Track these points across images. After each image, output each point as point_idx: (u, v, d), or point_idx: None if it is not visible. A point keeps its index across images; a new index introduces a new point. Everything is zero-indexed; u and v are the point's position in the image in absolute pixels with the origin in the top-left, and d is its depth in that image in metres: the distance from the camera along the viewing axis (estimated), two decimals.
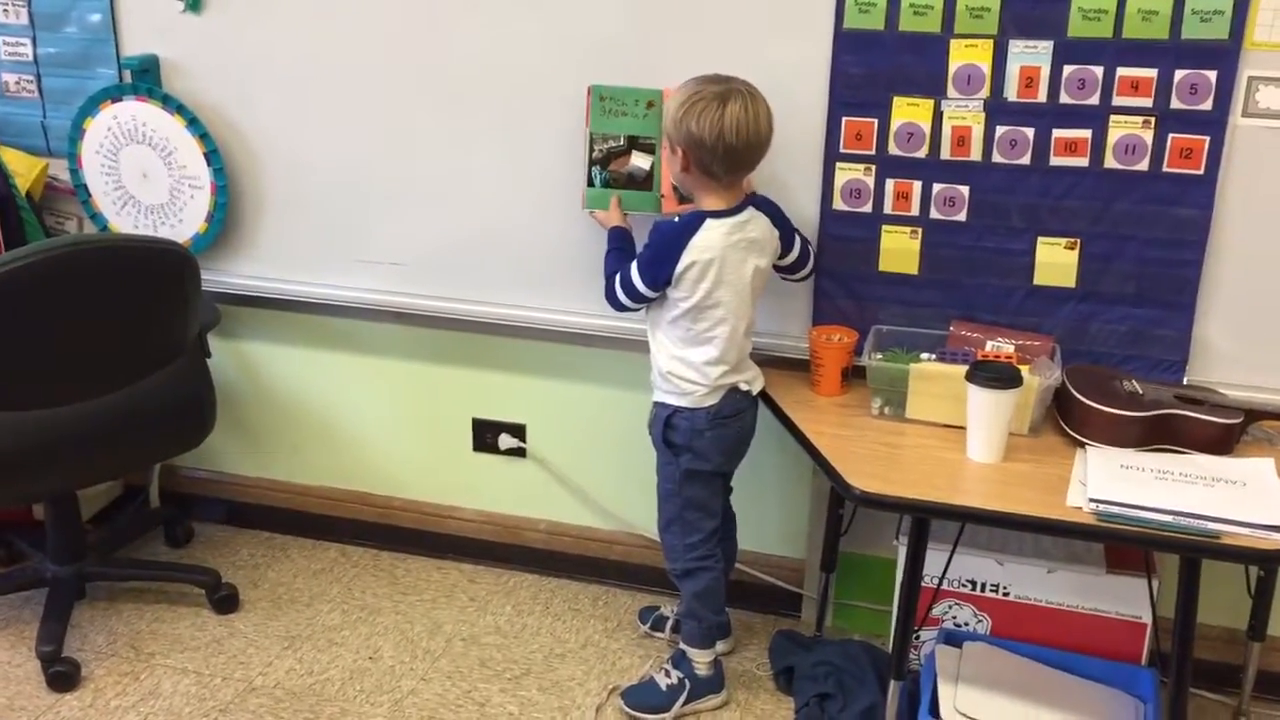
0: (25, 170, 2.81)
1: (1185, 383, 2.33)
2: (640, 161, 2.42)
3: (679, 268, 2.18)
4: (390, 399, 2.95)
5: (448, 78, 2.58)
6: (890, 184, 2.39)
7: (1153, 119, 2.23)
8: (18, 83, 2.82)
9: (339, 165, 2.70)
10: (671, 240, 2.19)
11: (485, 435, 2.90)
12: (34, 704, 2.43)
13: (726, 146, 2.13)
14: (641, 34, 2.42)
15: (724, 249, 2.19)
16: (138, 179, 2.79)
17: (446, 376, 2.88)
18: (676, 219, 2.26)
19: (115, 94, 2.73)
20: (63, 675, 2.47)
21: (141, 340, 2.46)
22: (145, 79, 2.71)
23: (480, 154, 2.61)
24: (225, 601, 2.75)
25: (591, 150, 2.41)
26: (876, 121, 2.36)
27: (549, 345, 2.75)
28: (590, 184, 2.42)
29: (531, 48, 2.49)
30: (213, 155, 2.71)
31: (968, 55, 2.28)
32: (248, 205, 2.78)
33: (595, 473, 2.85)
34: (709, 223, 2.20)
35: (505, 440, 2.88)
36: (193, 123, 2.70)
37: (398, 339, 2.87)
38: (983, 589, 2.42)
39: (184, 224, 2.78)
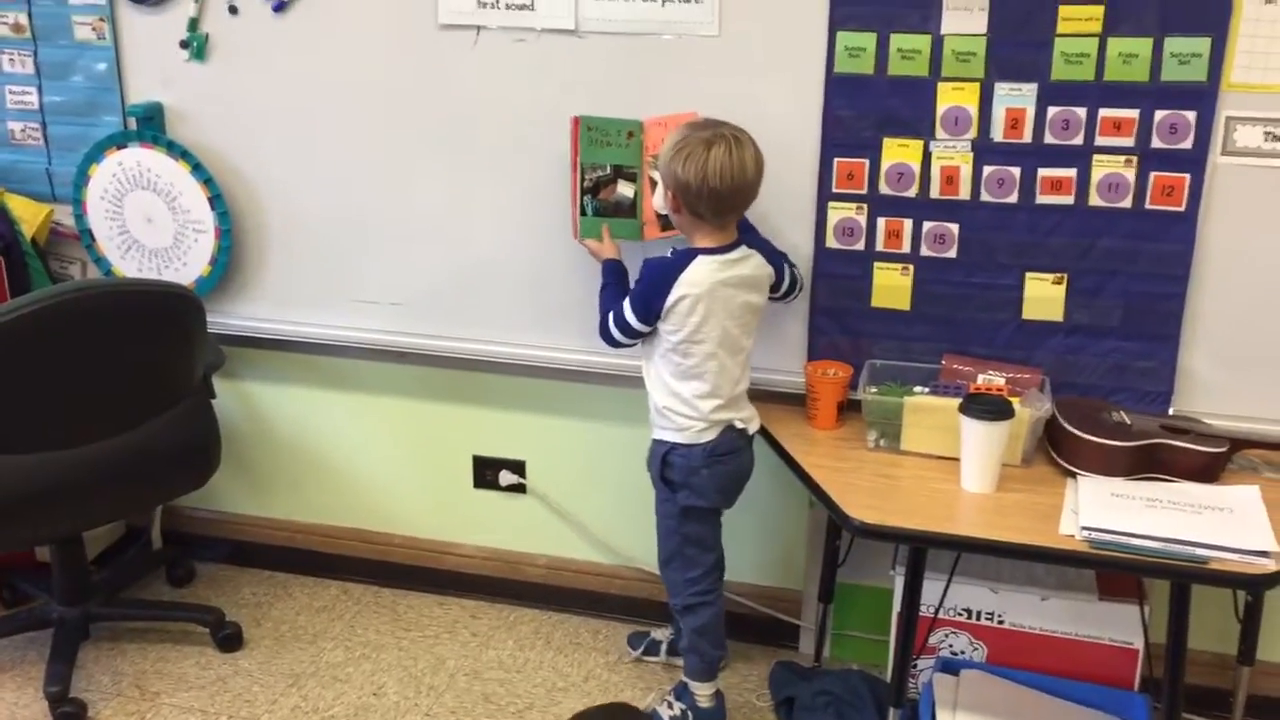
0: (30, 216, 2.86)
1: (1171, 413, 2.39)
2: (625, 190, 2.48)
3: (669, 301, 2.24)
4: (391, 437, 2.99)
5: (441, 122, 2.64)
6: (882, 222, 2.46)
7: (1135, 158, 2.30)
8: (23, 130, 2.87)
9: (338, 208, 2.76)
10: (662, 275, 2.25)
11: (485, 472, 2.94)
12: None
13: (711, 190, 2.18)
14: (636, 76, 2.48)
15: (713, 284, 2.25)
16: (142, 223, 2.83)
17: (447, 414, 2.93)
18: (670, 253, 2.32)
19: (120, 141, 2.78)
20: (70, 716, 2.49)
21: (149, 382, 2.50)
22: (150, 126, 2.76)
23: (475, 194, 2.66)
24: (229, 640, 2.77)
25: (583, 180, 2.47)
26: (868, 162, 2.43)
27: (547, 382, 2.80)
28: (583, 212, 2.48)
29: (524, 91, 2.56)
30: (217, 200, 2.76)
31: (955, 98, 2.36)
32: (250, 248, 2.83)
33: (595, 508, 2.90)
34: (699, 259, 2.25)
35: (505, 476, 2.92)
36: (197, 168, 2.75)
37: (398, 378, 2.92)
38: (978, 617, 2.47)
39: (188, 267, 2.83)
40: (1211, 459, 2.23)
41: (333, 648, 2.80)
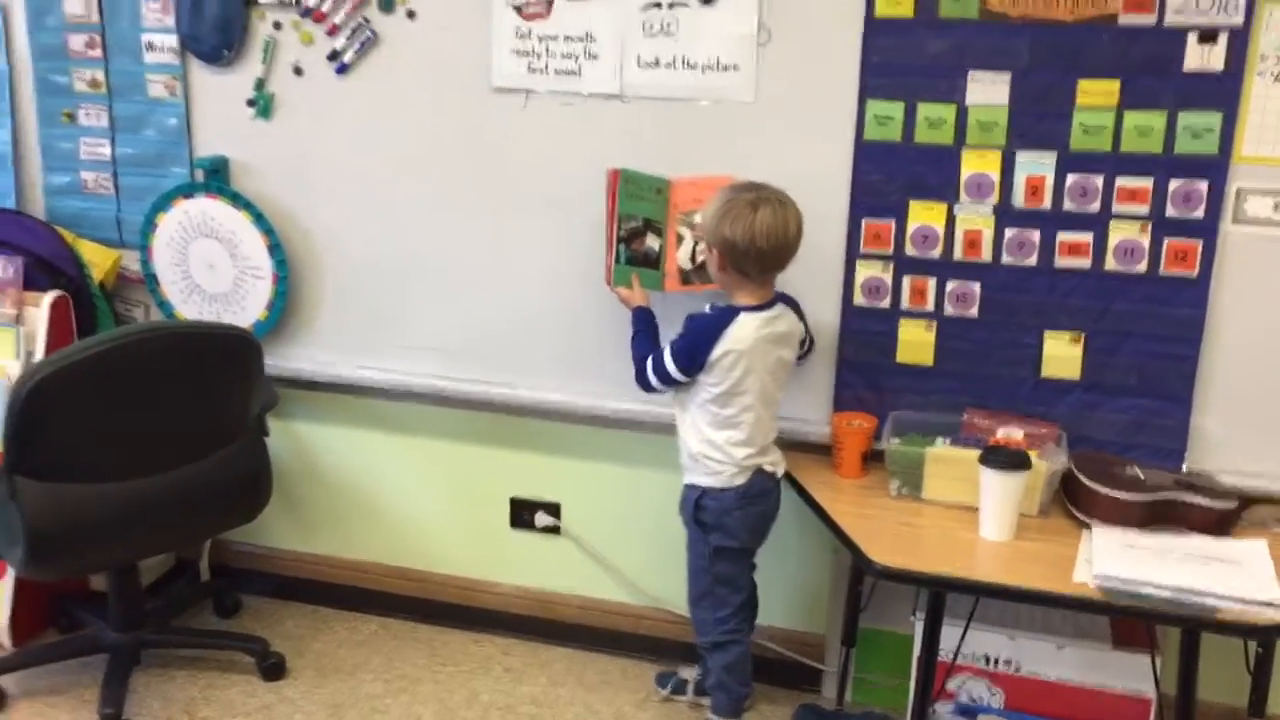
0: (100, 261, 3.03)
1: (1185, 469, 2.48)
2: (652, 242, 2.62)
3: (713, 356, 2.36)
4: (432, 478, 3.12)
5: (488, 178, 2.79)
6: (907, 281, 2.58)
7: (1149, 225, 2.42)
8: (96, 180, 3.04)
9: (389, 258, 2.90)
10: (707, 332, 2.37)
11: (522, 513, 3.06)
12: None
13: (758, 250, 2.32)
14: (676, 139, 2.63)
15: (755, 341, 2.37)
16: (204, 269, 2.99)
17: (486, 457, 3.05)
18: (709, 309, 2.45)
19: (188, 191, 2.94)
20: None
21: (208, 419, 2.64)
22: (216, 178, 2.93)
23: (517, 247, 2.81)
24: (273, 669, 2.89)
25: (620, 229, 2.61)
26: (894, 223, 2.56)
27: (584, 428, 2.92)
28: (617, 260, 2.61)
29: (569, 152, 2.70)
30: (275, 248, 2.92)
31: (978, 165, 2.48)
32: (305, 294, 2.98)
33: (626, 550, 3.00)
34: (742, 317, 2.38)
35: (541, 518, 3.04)
36: (258, 218, 2.91)
37: (440, 421, 3.04)
38: (996, 664, 2.55)
39: (246, 311, 2.98)
40: (1223, 514, 2.32)
41: (372, 680, 2.90)
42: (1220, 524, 2.32)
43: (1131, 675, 2.46)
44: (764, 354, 2.40)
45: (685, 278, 2.63)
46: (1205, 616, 2.07)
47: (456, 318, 2.90)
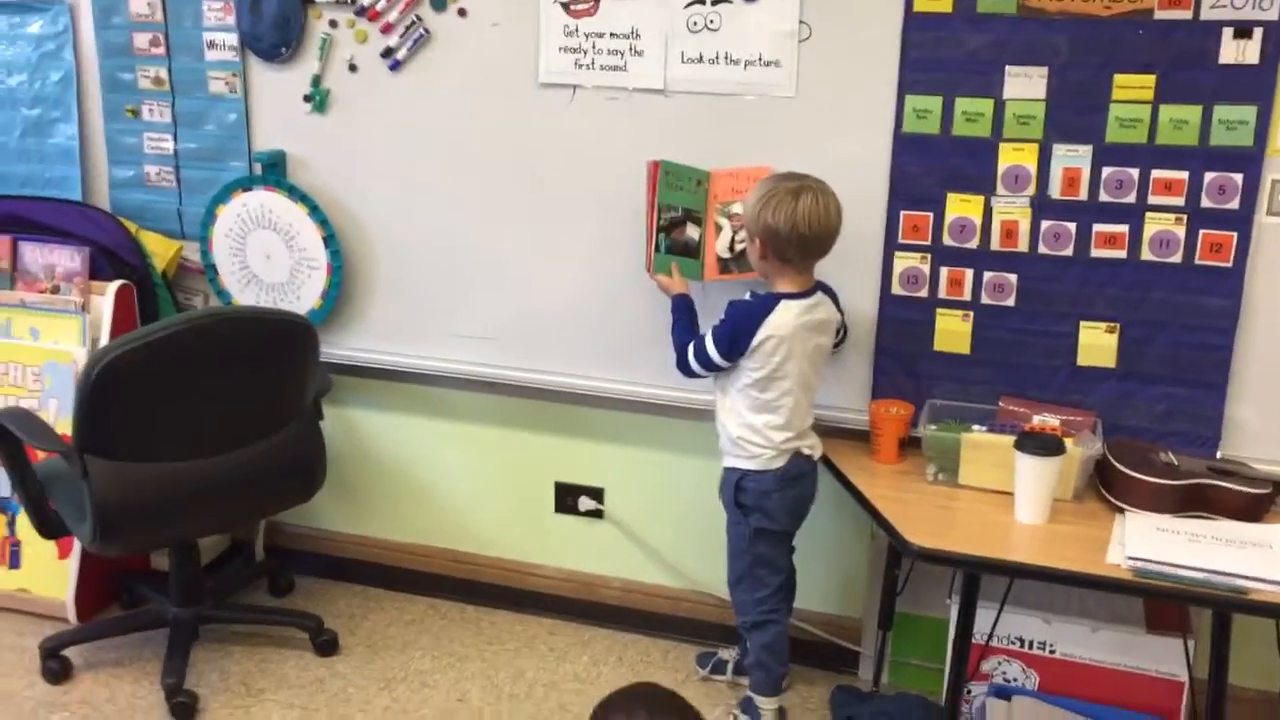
0: (162, 251, 3.14)
1: (1219, 456, 2.52)
2: (692, 232, 2.70)
3: (755, 341, 2.43)
4: (479, 463, 3.21)
5: (535, 171, 2.87)
6: (944, 271, 2.63)
7: (1185, 216, 2.46)
8: (159, 173, 3.16)
9: (439, 248, 3.00)
10: (749, 318, 2.44)
11: (566, 498, 3.14)
12: None
13: (800, 236, 2.38)
14: (718, 132, 2.70)
15: (795, 327, 2.44)
16: (261, 260, 3.10)
17: (531, 442, 3.14)
18: (749, 296, 2.52)
19: (246, 184, 3.05)
20: (184, 706, 2.72)
21: (267, 402, 2.74)
22: (273, 171, 3.03)
23: (563, 238, 2.89)
24: (326, 645, 2.99)
25: (660, 219, 2.68)
26: (932, 215, 2.61)
27: (626, 414, 3.00)
28: (657, 249, 2.69)
29: (613, 145, 2.78)
30: (330, 239, 3.02)
31: (1015, 157, 2.54)
32: (358, 284, 3.08)
33: (667, 534, 3.08)
34: (784, 304, 2.45)
35: (584, 502, 3.12)
36: (314, 210, 3.01)
37: (487, 407, 3.13)
38: (1030, 646, 2.60)
39: (301, 300, 3.08)
40: (1255, 499, 2.36)
41: (421, 656, 3.00)
42: (1252, 509, 2.36)
43: (1164, 658, 2.51)
44: (803, 340, 2.47)
45: (724, 267, 2.71)
46: (1236, 597, 2.11)
47: (503, 307, 2.98)
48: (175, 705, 2.71)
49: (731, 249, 2.70)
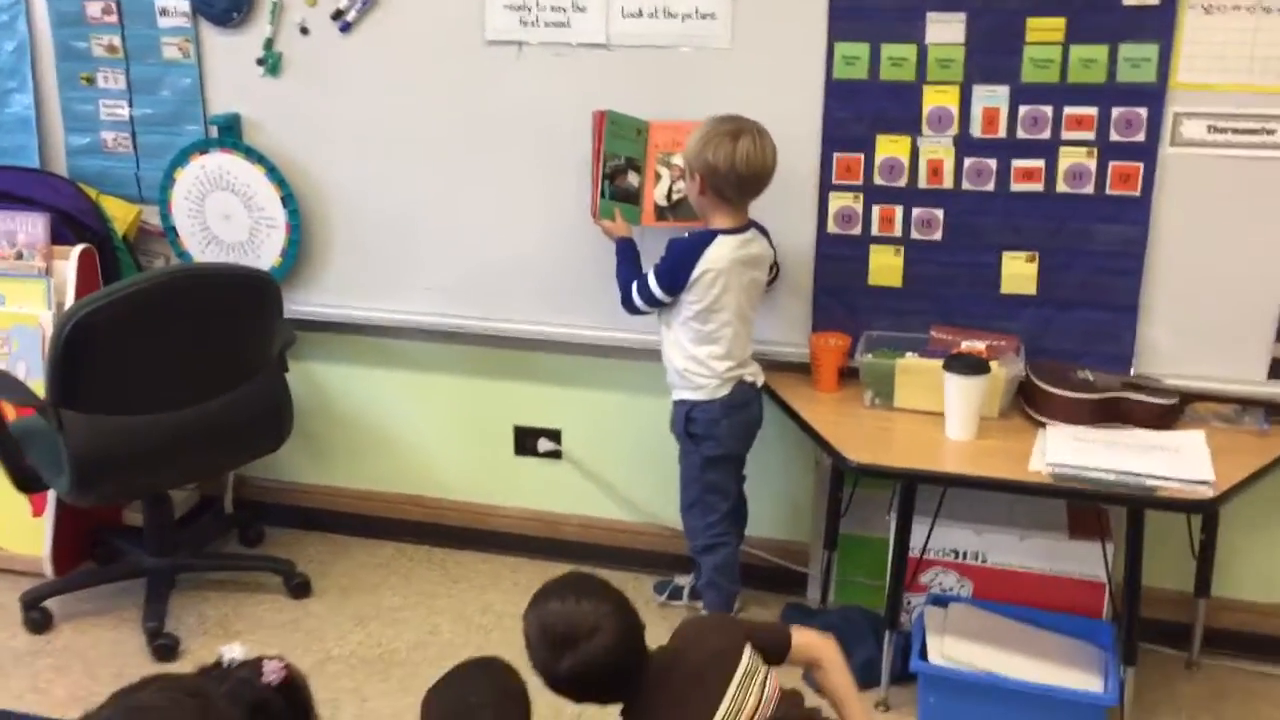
0: (122, 215, 3.23)
1: (1132, 374, 2.71)
2: (633, 179, 2.84)
3: (693, 275, 2.58)
4: (439, 410, 3.34)
5: (485, 127, 2.99)
6: (876, 210, 2.79)
7: (1095, 150, 2.64)
8: (115, 139, 3.24)
9: (394, 204, 3.11)
10: (687, 252, 2.60)
11: (525, 440, 3.28)
12: (142, 672, 2.77)
13: (738, 175, 2.53)
14: (659, 84, 2.83)
15: (731, 261, 2.59)
16: (221, 220, 3.19)
17: (490, 389, 3.27)
18: (687, 235, 2.67)
19: (203, 147, 3.14)
20: (166, 647, 2.84)
21: (233, 355, 2.85)
22: (229, 134, 3.13)
23: (514, 191, 3.01)
24: (300, 588, 3.12)
25: (605, 167, 2.82)
26: (863, 156, 2.77)
27: (579, 358, 3.14)
28: (602, 195, 2.83)
29: (560, 99, 2.90)
30: (288, 199, 3.12)
31: (938, 99, 2.70)
32: (316, 241, 3.19)
33: (622, 470, 3.23)
34: (720, 239, 2.60)
35: (543, 444, 3.26)
36: (271, 171, 3.11)
37: (446, 357, 3.26)
38: (964, 557, 2.78)
39: (261, 259, 3.18)
40: (1165, 410, 2.56)
41: (391, 595, 3.14)
42: (1163, 419, 2.56)
43: (1086, 562, 2.69)
44: (739, 274, 2.62)
45: (661, 214, 2.85)
46: (1146, 495, 2.31)
47: (458, 258, 3.10)
48: (157, 647, 2.83)
49: (669, 197, 2.85)
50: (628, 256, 2.77)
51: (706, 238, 2.60)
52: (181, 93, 3.16)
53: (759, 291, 2.71)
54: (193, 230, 3.22)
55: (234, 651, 1.79)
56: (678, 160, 2.79)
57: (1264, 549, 2.81)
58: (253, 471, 3.47)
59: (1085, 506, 2.74)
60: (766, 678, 1.97)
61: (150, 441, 2.74)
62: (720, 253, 2.59)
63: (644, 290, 2.66)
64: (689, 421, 2.72)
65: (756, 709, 1.94)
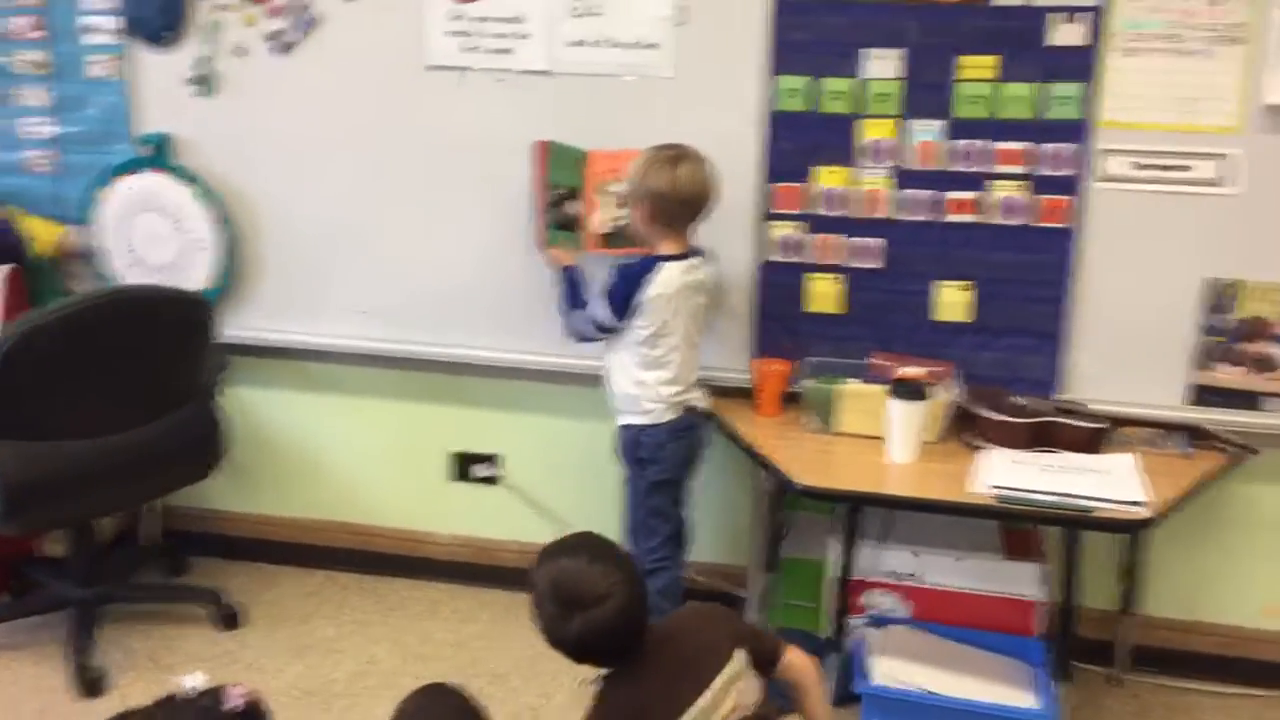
0: (44, 236, 3.12)
1: (1060, 398, 2.81)
2: (573, 208, 2.86)
3: (643, 300, 2.61)
4: (373, 436, 3.30)
5: (425, 151, 2.99)
6: (816, 238, 2.86)
7: (1026, 183, 2.74)
8: (39, 158, 3.14)
9: (330, 227, 3.08)
10: (637, 277, 2.62)
11: (461, 466, 3.26)
12: (66, 710, 2.70)
13: (681, 198, 2.57)
14: (602, 112, 2.86)
15: (680, 286, 2.62)
16: (149, 242, 3.12)
17: (426, 413, 3.25)
18: (633, 262, 2.68)
19: (131, 167, 3.07)
20: (95, 681, 2.74)
21: (167, 379, 2.79)
22: (159, 154, 3.06)
23: (453, 214, 3.01)
24: (229, 619, 3.05)
25: (550, 195, 2.83)
26: (803, 186, 2.84)
27: (519, 383, 3.14)
28: (548, 225, 2.85)
29: (502, 125, 2.91)
30: (219, 220, 3.06)
31: (876, 132, 2.78)
32: (249, 264, 3.13)
33: (562, 495, 3.23)
34: (666, 265, 2.62)
35: (480, 469, 3.25)
36: (202, 192, 3.05)
37: (381, 381, 3.23)
38: (902, 578, 2.84)
39: (190, 282, 3.10)
40: (1094, 433, 2.65)
41: (325, 625, 3.08)
42: (1091, 442, 2.65)
43: (1020, 582, 2.76)
44: (686, 299, 2.65)
45: (603, 241, 2.88)
46: (1083, 515, 2.39)
47: (395, 282, 3.08)
48: (87, 682, 2.73)
49: (609, 225, 2.87)
50: (572, 284, 2.79)
51: (652, 263, 2.63)
52: (108, 111, 3.09)
53: (704, 316, 2.75)
54: (120, 252, 3.14)
55: (195, 680, 1.77)
56: (616, 188, 2.83)
57: (1184, 568, 2.93)
58: (176, 499, 3.37)
59: (1019, 528, 2.83)
60: (748, 686, 1.99)
61: (82, 468, 2.67)
62: (668, 278, 2.62)
63: (593, 318, 2.68)
64: (636, 446, 2.73)
65: (733, 710, 1.96)
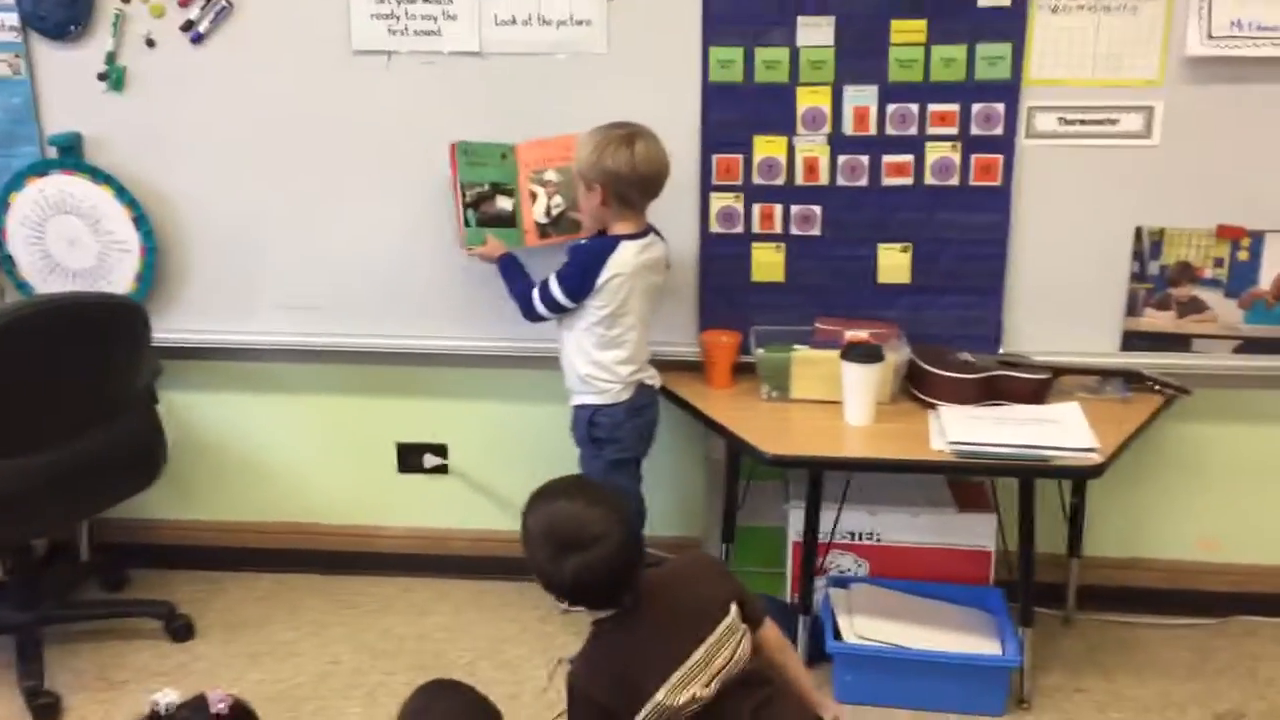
0: None
1: (1002, 352, 2.88)
2: (504, 204, 2.83)
3: (601, 280, 2.59)
4: (314, 433, 3.22)
5: (354, 139, 2.91)
6: (756, 208, 2.87)
7: (959, 144, 2.79)
8: None
9: (255, 222, 2.99)
10: (595, 258, 2.60)
11: (409, 457, 3.21)
12: None
13: (640, 176, 2.56)
14: (536, 91, 2.82)
15: (636, 266, 2.62)
16: (64, 247, 2.99)
17: (368, 406, 3.18)
18: (589, 242, 2.67)
19: (41, 169, 2.93)
20: (48, 707, 2.64)
21: (102, 389, 2.68)
22: (70, 154, 2.93)
23: (385, 202, 2.94)
24: (182, 630, 2.95)
25: (464, 197, 2.80)
26: (742, 157, 2.84)
27: (463, 370, 3.09)
28: (467, 224, 2.81)
29: (433, 109, 2.86)
30: (140, 220, 2.95)
31: (812, 99, 2.80)
32: (174, 264, 3.02)
33: (514, 481, 3.12)
34: (623, 244, 2.61)
35: (428, 460, 3.20)
36: (120, 191, 2.93)
37: (320, 376, 3.15)
38: (859, 538, 2.89)
39: (112, 285, 2.99)
40: (1040, 384, 2.73)
41: (281, 629, 3.01)
42: (1037, 393, 2.73)
43: (975, 533, 2.85)
44: (643, 278, 2.65)
45: (543, 231, 2.85)
46: (1043, 465, 2.47)
47: (327, 275, 3.01)
48: (39, 707, 2.62)
49: (549, 214, 2.85)
50: (513, 271, 2.76)
51: (611, 243, 2.61)
52: (12, 111, 2.94)
53: (658, 295, 2.74)
54: (33, 259, 3.00)
55: (168, 696, 1.73)
56: (551, 176, 2.82)
57: (1120, 509, 3.04)
58: (109, 512, 3.24)
59: (969, 481, 2.90)
60: (742, 639, 2.01)
61: (23, 486, 2.54)
62: (625, 258, 2.60)
63: (546, 296, 2.65)
64: (592, 426, 2.72)
65: (726, 664, 1.98)
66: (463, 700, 1.94)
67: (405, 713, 1.93)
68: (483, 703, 1.95)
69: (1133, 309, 2.85)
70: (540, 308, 2.68)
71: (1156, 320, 2.85)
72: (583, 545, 1.93)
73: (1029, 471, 2.51)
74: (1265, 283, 2.80)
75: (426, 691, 2.00)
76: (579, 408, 2.76)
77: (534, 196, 2.84)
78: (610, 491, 2.07)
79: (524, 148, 2.82)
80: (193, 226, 3.00)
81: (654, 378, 2.78)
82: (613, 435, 2.72)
